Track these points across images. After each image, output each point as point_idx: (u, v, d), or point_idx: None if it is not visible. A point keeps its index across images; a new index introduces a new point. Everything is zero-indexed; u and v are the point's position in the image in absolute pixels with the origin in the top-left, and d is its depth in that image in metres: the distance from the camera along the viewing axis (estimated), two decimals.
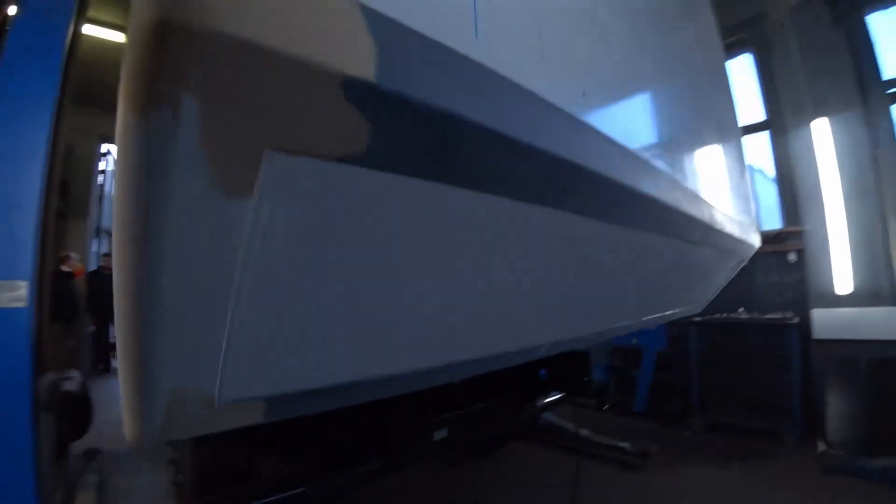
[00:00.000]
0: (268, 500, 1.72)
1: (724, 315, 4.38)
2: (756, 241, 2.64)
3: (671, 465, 3.51)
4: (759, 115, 5.06)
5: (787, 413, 3.80)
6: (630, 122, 1.11)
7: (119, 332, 0.59)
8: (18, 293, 2.14)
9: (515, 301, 1.01)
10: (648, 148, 1.19)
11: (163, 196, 0.42)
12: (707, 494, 3.02)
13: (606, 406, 5.04)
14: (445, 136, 0.52)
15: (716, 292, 2.94)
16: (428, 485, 3.34)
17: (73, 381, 3.83)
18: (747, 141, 5.11)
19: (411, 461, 2.27)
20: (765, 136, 5.03)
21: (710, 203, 1.56)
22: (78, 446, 3.68)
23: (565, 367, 2.83)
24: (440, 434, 2.13)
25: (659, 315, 2.49)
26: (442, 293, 0.79)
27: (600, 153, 0.78)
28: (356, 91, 0.43)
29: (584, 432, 3.84)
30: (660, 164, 1.19)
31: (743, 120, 4.85)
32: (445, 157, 0.56)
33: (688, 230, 1.50)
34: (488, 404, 2.44)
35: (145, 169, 0.41)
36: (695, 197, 1.39)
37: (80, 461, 3.50)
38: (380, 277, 0.68)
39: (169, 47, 0.37)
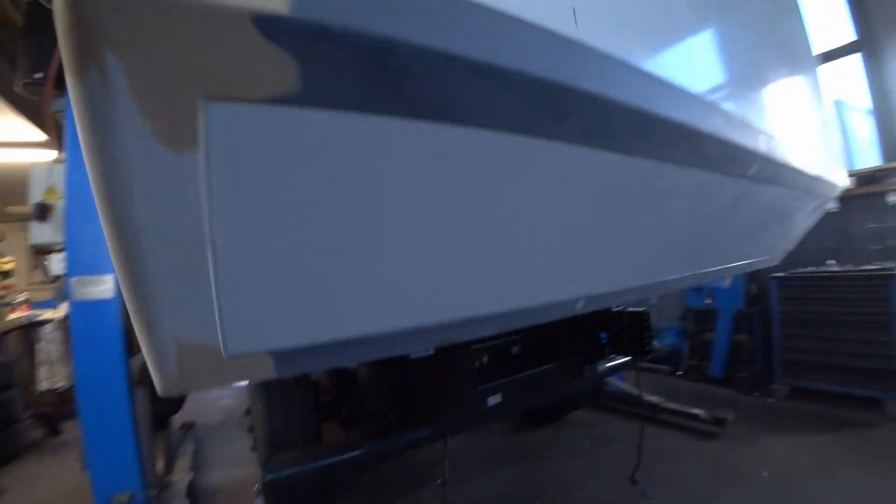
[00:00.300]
0: (330, 460, 1.84)
1: (811, 268, 3.93)
2: (841, 179, 2.33)
3: (750, 434, 3.25)
4: (848, 35, 4.40)
5: (889, 376, 3.36)
6: (655, 41, 0.99)
7: (124, 293, 0.64)
8: (106, 286, 2.41)
9: (532, 248, 0.96)
10: (679, 70, 1.06)
11: (115, 156, 0.44)
12: (792, 467, 2.77)
13: (680, 372, 4.80)
14: (388, 65, 0.49)
15: (795, 241, 2.64)
16: (490, 454, 3.39)
17: None
18: (834, 67, 4.49)
19: (464, 427, 2.32)
20: (855, 60, 4.38)
21: (767, 132, 1.37)
22: (177, 420, 4.17)
23: (625, 328, 2.71)
24: (494, 400, 2.13)
25: (723, 267, 2.28)
26: (437, 237, 0.77)
27: (585, 69, 0.70)
28: (272, 27, 0.41)
29: (654, 399, 3.69)
30: (695, 89, 1.06)
31: (824, 41, 4.24)
32: (398, 89, 0.53)
33: (741, 164, 1.34)
34: (543, 369, 2.40)
35: (94, 131, 0.43)
36: (744, 124, 1.23)
37: (179, 433, 3.94)
38: (360, 223, 0.67)
39: (83, 10, 0.38)
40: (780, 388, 3.95)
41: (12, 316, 4.82)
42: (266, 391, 2.29)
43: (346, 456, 1.85)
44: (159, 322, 0.62)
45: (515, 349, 2.54)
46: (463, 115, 0.63)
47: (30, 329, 4.49)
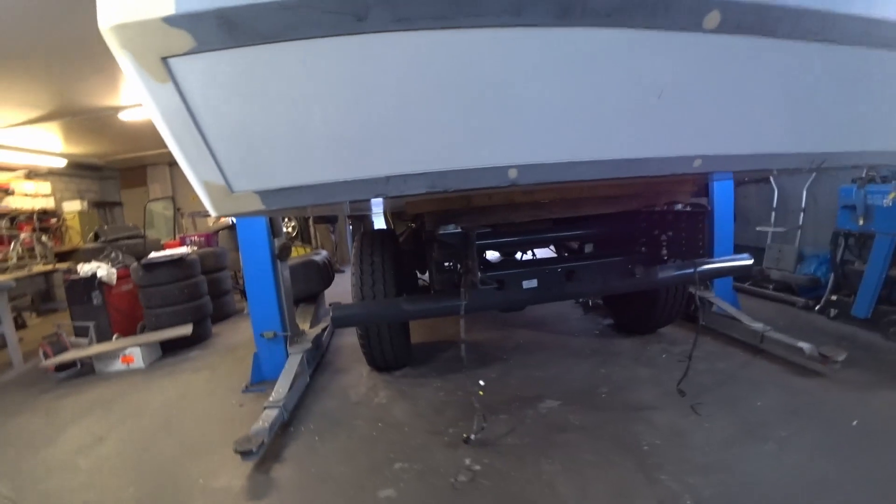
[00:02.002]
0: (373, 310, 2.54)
1: None
2: None
3: (868, 383, 2.81)
4: None
5: None
6: None
7: (178, 160, 1.22)
8: None
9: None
10: None
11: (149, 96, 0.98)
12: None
13: (818, 307, 4.25)
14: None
15: None
16: (573, 350, 3.74)
17: (320, 255, 5.56)
18: None
19: (497, 305, 2.70)
20: None
21: None
22: (327, 298, 5.43)
23: (683, 229, 2.66)
24: (529, 283, 2.47)
25: (854, 150, 1.99)
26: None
27: None
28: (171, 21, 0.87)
29: (757, 325, 3.48)
30: None
31: None
32: None
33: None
34: (583, 264, 2.59)
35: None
36: None
37: (326, 308, 5.18)
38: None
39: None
40: None
41: (221, 222, 6.65)
42: (360, 267, 3.03)
43: (383, 310, 2.53)
44: (195, 173, 1.19)
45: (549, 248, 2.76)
46: None
47: (233, 228, 6.19)
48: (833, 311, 4.09)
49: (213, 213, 1.36)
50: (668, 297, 3.53)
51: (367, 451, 2.46)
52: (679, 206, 2.55)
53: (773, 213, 5.06)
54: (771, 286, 4.90)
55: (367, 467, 2.31)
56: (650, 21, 1.08)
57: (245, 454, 2.23)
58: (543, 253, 4.26)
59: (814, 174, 4.60)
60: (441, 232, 2.19)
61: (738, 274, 3.95)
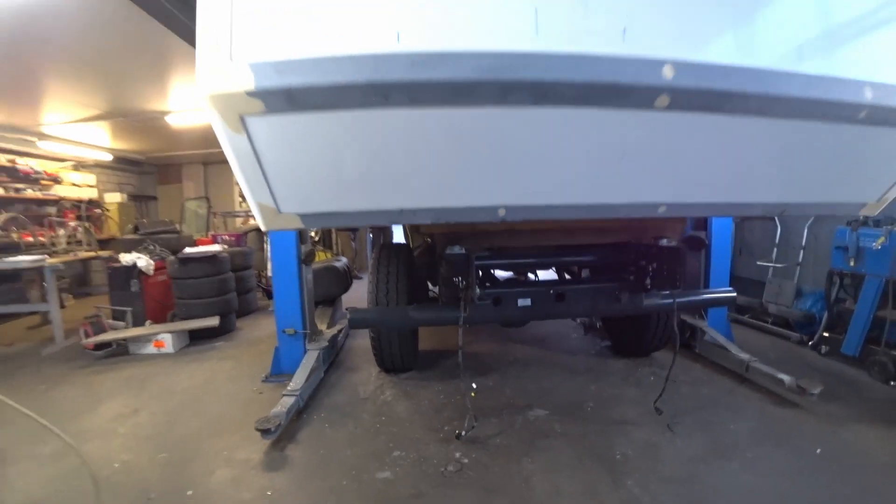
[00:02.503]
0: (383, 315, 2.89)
1: None
2: None
3: (842, 418, 2.98)
4: None
5: None
6: None
7: (240, 184, 1.58)
8: None
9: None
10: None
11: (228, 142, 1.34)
12: (863, 460, 2.52)
13: (812, 343, 4.43)
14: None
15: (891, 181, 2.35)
16: (567, 367, 4.01)
17: (341, 261, 5.95)
18: None
19: (494, 319, 3.01)
20: None
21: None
22: (345, 302, 5.81)
23: (664, 262, 2.93)
24: (524, 301, 2.78)
25: (808, 202, 2.25)
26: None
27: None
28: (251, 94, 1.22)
29: (744, 356, 3.70)
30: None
31: None
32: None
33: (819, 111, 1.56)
34: (572, 288, 2.89)
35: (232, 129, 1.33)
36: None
37: (344, 311, 5.54)
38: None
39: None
40: None
41: (250, 223, 7.11)
42: (377, 276, 3.39)
43: (393, 316, 2.88)
44: (254, 196, 1.55)
45: (552, 270, 3.07)
46: None
47: (260, 230, 6.63)
48: (825, 348, 4.27)
49: (263, 228, 1.72)
50: (659, 323, 3.78)
51: (370, 440, 2.78)
52: (664, 241, 2.83)
53: (776, 250, 5.25)
54: (770, 320, 5.09)
55: (369, 453, 2.63)
56: (611, 103, 1.39)
57: (264, 432, 2.58)
58: (549, 275, 4.56)
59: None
60: (447, 252, 2.52)
61: (720, 306, 4.16)
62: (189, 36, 3.72)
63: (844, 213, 2.37)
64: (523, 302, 2.79)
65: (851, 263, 3.98)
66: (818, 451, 2.63)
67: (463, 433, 2.66)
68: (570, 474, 2.41)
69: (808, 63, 1.51)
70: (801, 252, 4.95)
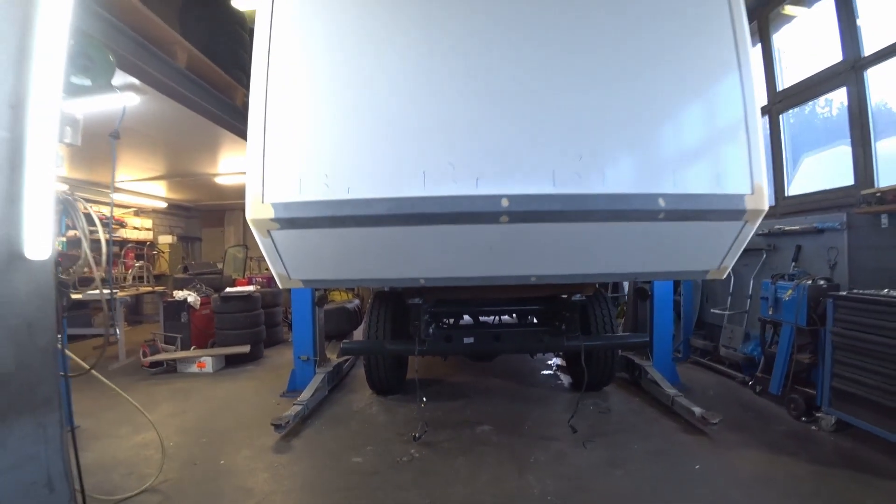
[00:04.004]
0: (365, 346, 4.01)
1: (876, 291, 3.76)
2: (758, 204, 2.64)
3: (741, 444, 3.69)
4: None
5: None
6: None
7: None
8: None
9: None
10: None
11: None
12: (731, 480, 3.17)
13: (750, 382, 5.18)
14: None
15: (730, 256, 3.15)
16: (521, 395, 4.96)
17: (353, 303, 7.15)
18: None
19: (449, 352, 4.03)
20: None
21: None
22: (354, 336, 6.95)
23: (576, 311, 3.93)
24: (468, 339, 3.83)
25: (655, 271, 3.22)
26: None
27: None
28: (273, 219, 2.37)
29: (671, 391, 4.55)
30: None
31: None
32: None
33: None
34: (507, 331, 3.91)
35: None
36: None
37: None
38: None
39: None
40: (826, 418, 3.94)
41: None
42: (369, 317, 4.53)
43: (373, 347, 3.99)
44: (274, 268, 2.73)
45: (492, 317, 4.13)
46: None
47: None
48: (758, 388, 5.03)
49: (280, 286, 2.89)
50: (599, 363, 4.70)
51: (352, 438, 3.86)
52: (577, 297, 3.83)
53: (730, 298, 6.06)
54: (727, 362, 5.86)
55: (350, 446, 3.70)
56: (473, 221, 2.49)
57: (277, 427, 3.69)
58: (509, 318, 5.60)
59: (760, 264, 5.63)
60: (409, 301, 3.62)
61: (629, 349, 5.05)
62: (234, 129, 5.10)
63: (693, 278, 3.32)
64: (468, 339, 3.84)
65: (770, 312, 4.80)
66: (697, 466, 3.42)
67: (417, 435, 3.69)
68: (489, 469, 3.38)
69: (609, 185, 2.54)
70: (748, 301, 5.76)
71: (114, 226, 9.97)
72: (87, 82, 3.13)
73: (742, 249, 2.97)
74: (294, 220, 2.44)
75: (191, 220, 12.80)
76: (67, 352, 2.74)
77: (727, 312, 6.03)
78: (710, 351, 6.22)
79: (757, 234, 5.62)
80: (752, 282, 5.77)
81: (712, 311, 6.22)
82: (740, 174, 2.63)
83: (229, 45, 5.25)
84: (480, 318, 4.77)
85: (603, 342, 4.30)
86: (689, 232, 2.79)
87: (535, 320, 4.85)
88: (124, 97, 3.52)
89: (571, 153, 2.49)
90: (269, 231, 2.54)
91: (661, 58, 2.64)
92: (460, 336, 3.87)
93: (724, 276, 3.30)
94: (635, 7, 2.65)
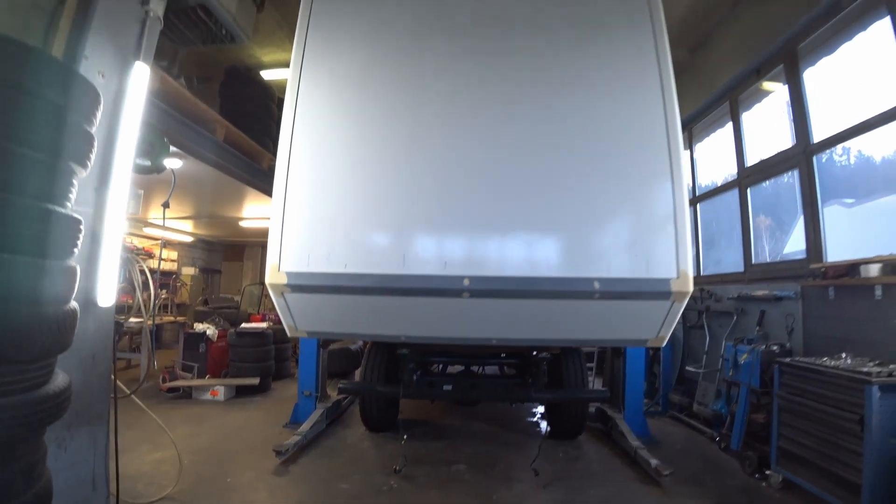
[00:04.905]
0: (358, 387, 4.69)
1: (811, 359, 4.21)
2: (682, 287, 3.22)
3: (687, 494, 4.14)
4: None
5: (857, 493, 3.41)
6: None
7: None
8: None
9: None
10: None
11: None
12: None
13: (717, 438, 5.65)
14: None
15: (664, 328, 3.74)
16: (502, 441, 5.54)
17: (356, 344, 7.85)
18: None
19: (432, 396, 4.65)
20: None
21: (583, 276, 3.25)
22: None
23: (542, 367, 4.56)
24: (447, 387, 4.49)
25: (600, 339, 3.92)
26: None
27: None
28: (286, 285, 3.12)
29: (635, 443, 5.07)
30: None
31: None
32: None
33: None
34: (484, 380, 4.55)
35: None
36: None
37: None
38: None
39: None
40: (774, 476, 4.29)
41: None
42: (366, 361, 5.22)
43: (365, 388, 4.68)
44: (284, 320, 3.48)
45: (473, 368, 4.80)
46: None
47: None
48: (723, 444, 5.49)
49: (289, 335, 3.62)
50: (570, 414, 5.27)
51: (343, 467, 4.49)
52: (543, 355, 4.47)
53: (705, 356, 6.57)
54: (700, 418, 6.33)
55: (340, 474, 4.33)
56: (442, 295, 3.20)
57: (278, 453, 4.35)
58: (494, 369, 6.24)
59: (731, 325, 6.17)
60: (397, 351, 4.31)
61: (592, 401, 5.58)
62: (258, 188, 5.98)
63: (634, 346, 3.96)
64: (447, 387, 4.50)
65: (730, 373, 5.33)
66: None
67: (397, 468, 4.31)
68: (456, 498, 3.97)
69: (552, 269, 3.26)
70: (721, 360, 6.27)
71: (142, 256, 10.97)
72: (148, 163, 3.99)
73: (676, 322, 3.54)
74: (302, 286, 3.20)
75: (213, 254, 13.82)
76: (115, 378, 3.48)
77: (702, 370, 6.54)
78: (686, 406, 6.69)
79: (728, 298, 6.31)
80: (723, 342, 6.30)
81: (688, 368, 6.73)
82: (668, 261, 3.22)
83: (259, 116, 6.25)
84: (470, 368, 5.41)
85: (563, 395, 4.91)
86: (625, 308, 3.38)
87: (513, 371, 5.48)
88: (174, 172, 4.38)
89: (521, 243, 3.24)
90: (282, 293, 3.29)
91: (602, 164, 3.36)
92: (440, 383, 4.53)
93: (664, 343, 3.82)
94: (582, 121, 3.41)
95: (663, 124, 3.37)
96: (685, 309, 7.76)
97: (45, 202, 2.17)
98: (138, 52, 3.49)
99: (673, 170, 3.30)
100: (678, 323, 7.10)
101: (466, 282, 3.13)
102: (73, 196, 2.46)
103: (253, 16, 4.31)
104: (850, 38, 4.80)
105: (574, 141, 3.38)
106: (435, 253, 3.17)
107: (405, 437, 4.45)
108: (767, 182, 6.13)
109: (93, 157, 2.61)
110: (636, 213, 3.33)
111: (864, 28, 4.60)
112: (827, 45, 5.04)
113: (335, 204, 3.26)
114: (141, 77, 3.46)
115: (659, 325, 3.54)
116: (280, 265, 3.24)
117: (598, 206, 3.35)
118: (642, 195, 3.33)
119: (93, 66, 3.20)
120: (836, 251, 5.05)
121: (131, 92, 3.41)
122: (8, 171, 2.01)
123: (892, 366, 3.66)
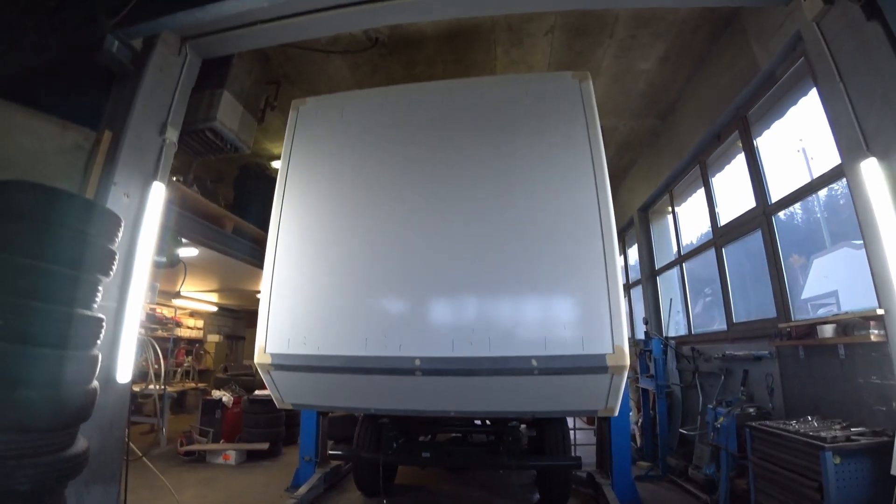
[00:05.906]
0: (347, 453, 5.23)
1: (779, 423, 4.29)
2: (619, 361, 3.50)
3: None
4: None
5: None
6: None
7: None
8: None
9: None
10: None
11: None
12: None
13: (707, 500, 5.78)
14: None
15: (611, 398, 3.89)
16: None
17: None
18: None
19: (411, 463, 5.07)
20: None
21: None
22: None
23: (513, 436, 4.96)
24: (426, 454, 4.95)
25: (549, 410, 4.31)
26: None
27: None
28: (272, 364, 3.77)
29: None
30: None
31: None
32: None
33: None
34: (460, 448, 4.98)
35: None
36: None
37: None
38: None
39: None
40: None
41: None
42: (359, 430, 5.73)
43: (351, 454, 5.19)
44: (272, 393, 4.10)
45: (449, 436, 5.25)
46: None
47: None
48: None
49: (277, 406, 4.23)
50: (555, 483, 5.55)
51: None
52: (514, 423, 4.89)
53: (699, 417, 6.73)
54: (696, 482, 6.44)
55: None
56: (397, 373, 3.74)
57: None
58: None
59: (720, 386, 6.37)
60: (378, 421, 4.85)
61: (567, 468, 5.56)
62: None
63: (585, 416, 4.36)
64: (425, 454, 4.95)
65: (711, 436, 5.54)
66: None
67: None
68: None
69: (493, 349, 3.78)
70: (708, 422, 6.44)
71: (170, 324, 11.98)
72: (164, 260, 4.80)
73: (621, 393, 3.89)
74: (284, 365, 3.86)
75: (237, 321, 14.80)
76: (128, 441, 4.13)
77: (696, 433, 6.68)
78: (683, 470, 6.80)
79: (715, 358, 6.55)
80: (709, 404, 6.48)
81: (680, 430, 6.88)
82: (603, 338, 3.59)
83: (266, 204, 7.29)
84: (455, 435, 5.83)
85: (535, 463, 5.26)
86: (569, 382, 3.74)
87: (492, 439, 5.86)
88: (185, 265, 5.23)
89: (466, 326, 3.79)
90: (268, 371, 3.95)
91: (542, 253, 3.88)
92: (420, 450, 4.99)
93: (616, 413, 4.16)
94: (523, 218, 4.03)
95: (597, 216, 3.87)
96: (681, 370, 8.00)
97: (68, 306, 2.87)
98: (156, 173, 4.40)
99: (606, 255, 3.75)
100: (677, 384, 7.38)
101: (417, 362, 3.67)
102: (98, 298, 3.21)
103: (254, 129, 5.24)
104: (794, 102, 5.26)
105: (514, 233, 3.96)
106: (391, 337, 3.76)
107: (385, 501, 4.89)
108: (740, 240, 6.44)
109: (115, 266, 3.37)
110: (572, 295, 3.77)
111: (805, 93, 5.03)
112: (773, 110, 5.52)
113: (310, 296, 3.95)
114: (157, 194, 4.35)
115: (605, 397, 3.89)
116: (266, 347, 3.92)
117: (537, 291, 3.82)
118: (578, 280, 3.76)
119: (120, 189, 4.09)
120: (848, 297, 5.21)
121: (150, 207, 4.28)
122: (35, 283, 2.73)
123: (854, 429, 3.68)
